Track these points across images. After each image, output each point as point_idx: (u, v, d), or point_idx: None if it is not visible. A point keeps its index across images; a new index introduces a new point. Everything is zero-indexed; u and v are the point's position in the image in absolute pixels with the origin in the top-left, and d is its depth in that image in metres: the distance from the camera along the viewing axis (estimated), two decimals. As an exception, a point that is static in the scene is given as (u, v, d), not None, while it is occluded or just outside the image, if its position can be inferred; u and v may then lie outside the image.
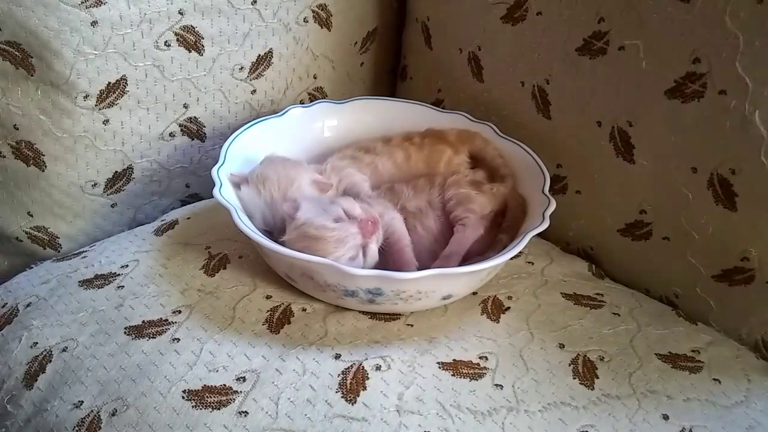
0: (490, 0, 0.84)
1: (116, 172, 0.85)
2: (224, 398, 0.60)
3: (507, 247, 0.69)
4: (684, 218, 0.74)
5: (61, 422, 0.61)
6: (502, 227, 0.75)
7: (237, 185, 0.74)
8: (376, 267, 0.67)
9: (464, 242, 0.72)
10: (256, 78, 0.89)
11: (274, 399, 0.60)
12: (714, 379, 0.67)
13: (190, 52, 0.83)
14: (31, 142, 0.79)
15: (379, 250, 0.68)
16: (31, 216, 0.84)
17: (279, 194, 0.72)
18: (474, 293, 0.73)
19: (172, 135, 0.86)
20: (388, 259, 0.70)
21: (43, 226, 0.84)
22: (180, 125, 0.86)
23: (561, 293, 0.76)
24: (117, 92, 0.80)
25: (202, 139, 0.89)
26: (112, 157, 0.83)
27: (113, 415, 0.60)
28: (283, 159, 0.78)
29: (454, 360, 0.65)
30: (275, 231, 0.72)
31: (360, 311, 0.70)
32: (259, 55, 0.88)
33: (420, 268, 0.69)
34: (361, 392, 0.61)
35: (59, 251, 0.86)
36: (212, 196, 0.71)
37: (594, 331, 0.71)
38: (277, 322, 0.68)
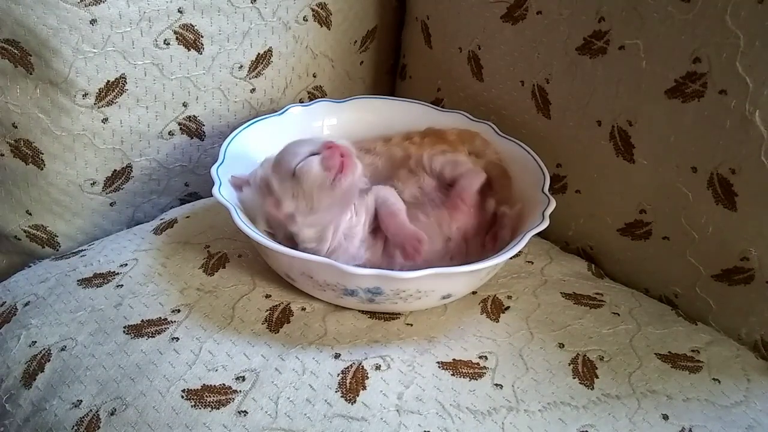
0: (490, -1, 0.85)
1: (115, 170, 0.84)
2: (223, 398, 0.60)
3: (507, 247, 0.69)
4: (684, 218, 0.74)
5: (59, 421, 0.61)
6: (496, 199, 0.76)
7: (238, 187, 0.74)
8: (376, 267, 0.67)
9: (475, 181, 0.74)
10: (256, 77, 0.89)
11: (273, 398, 0.60)
12: (714, 379, 0.67)
13: (189, 50, 0.82)
14: (29, 141, 0.79)
15: (376, 228, 0.70)
16: (30, 214, 0.83)
17: None
18: (474, 293, 0.73)
19: (171, 133, 0.86)
20: (385, 227, 0.70)
21: (42, 225, 0.84)
22: (179, 124, 0.86)
23: (561, 293, 0.76)
24: (116, 90, 0.80)
25: (201, 137, 0.89)
26: (110, 156, 0.83)
27: (112, 414, 0.60)
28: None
29: (453, 359, 0.65)
30: (278, 233, 0.71)
31: (359, 310, 0.70)
32: (259, 53, 0.88)
33: (426, 261, 0.69)
34: (361, 392, 0.61)
35: (58, 250, 0.86)
36: (211, 195, 0.70)
37: (594, 330, 0.71)
38: (277, 321, 0.68)
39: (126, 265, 0.74)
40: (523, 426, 0.60)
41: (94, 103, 0.79)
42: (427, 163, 0.77)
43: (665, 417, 0.62)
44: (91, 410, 0.61)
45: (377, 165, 0.80)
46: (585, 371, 0.66)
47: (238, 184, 0.74)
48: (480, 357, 0.66)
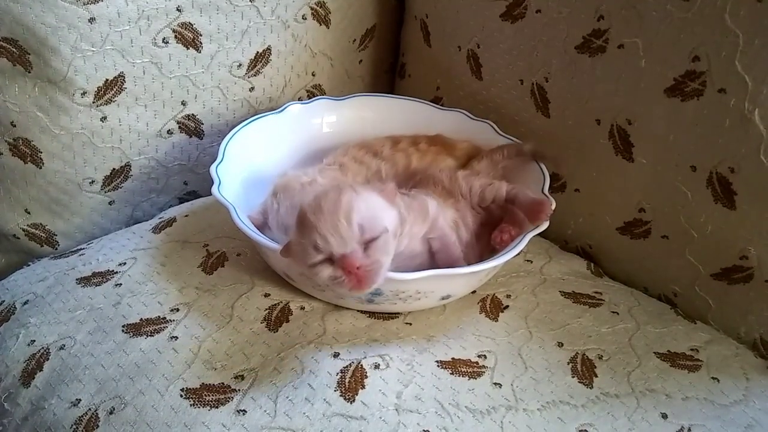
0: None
1: (114, 169, 0.84)
2: (222, 396, 0.60)
3: (507, 248, 0.68)
4: (683, 217, 0.74)
5: (58, 420, 0.61)
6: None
7: (260, 228, 0.70)
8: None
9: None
10: (255, 75, 0.89)
11: (272, 397, 0.60)
12: (713, 378, 0.67)
13: (188, 49, 0.82)
14: (28, 139, 0.79)
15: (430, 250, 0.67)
16: (29, 213, 0.83)
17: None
18: (473, 292, 0.73)
19: (170, 132, 0.86)
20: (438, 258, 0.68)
21: (41, 224, 0.84)
22: (178, 122, 0.86)
23: (560, 292, 0.76)
24: (114, 89, 0.80)
25: (200, 136, 0.89)
26: (109, 155, 0.83)
27: (111, 413, 0.60)
28: (299, 190, 0.73)
29: (452, 359, 0.65)
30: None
31: (358, 310, 0.70)
32: (258, 52, 0.88)
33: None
34: (360, 391, 0.61)
35: (57, 249, 0.86)
36: (210, 194, 0.70)
37: (593, 329, 0.71)
38: (276, 320, 0.68)
39: (125, 263, 0.74)
40: (522, 425, 0.60)
41: (93, 102, 0.79)
42: (465, 188, 0.73)
43: (664, 416, 0.62)
44: (89, 409, 0.61)
45: (381, 172, 0.79)
46: (584, 370, 0.66)
47: (259, 224, 0.71)
48: (479, 356, 0.66)
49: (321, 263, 0.59)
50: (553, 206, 0.72)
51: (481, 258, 0.70)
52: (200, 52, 0.83)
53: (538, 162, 0.78)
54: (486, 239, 0.73)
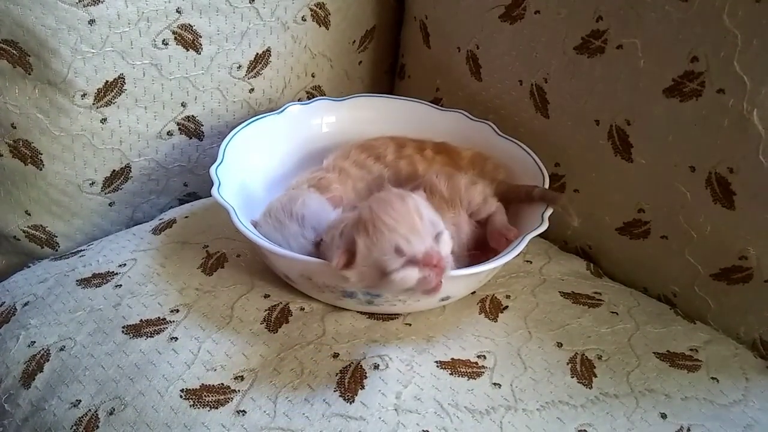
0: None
1: (114, 170, 0.84)
2: (222, 397, 0.60)
3: (506, 249, 0.68)
4: (682, 217, 0.74)
5: (58, 421, 0.61)
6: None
7: (255, 226, 0.71)
8: None
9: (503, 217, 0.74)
10: (254, 77, 0.89)
11: (272, 398, 0.60)
12: (712, 378, 0.67)
13: (187, 50, 0.82)
14: (28, 141, 0.79)
15: None
16: (29, 215, 0.83)
17: (285, 216, 0.70)
18: (472, 292, 0.73)
19: (170, 134, 0.86)
20: None
21: (41, 225, 0.84)
22: (178, 124, 0.86)
23: (559, 292, 0.76)
24: (114, 91, 0.80)
25: (200, 137, 0.89)
26: (109, 156, 0.83)
27: (111, 414, 0.60)
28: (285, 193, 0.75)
29: (452, 359, 0.65)
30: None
31: (358, 311, 0.70)
32: (257, 53, 0.88)
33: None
34: (359, 391, 0.61)
35: (57, 250, 0.86)
36: (210, 195, 0.70)
37: (592, 329, 0.71)
38: (275, 321, 0.68)
39: (125, 265, 0.74)
40: (522, 425, 0.60)
41: (93, 104, 0.79)
42: (465, 199, 0.73)
43: (663, 416, 0.62)
44: (89, 410, 0.61)
45: (384, 177, 0.78)
46: (583, 370, 0.66)
47: (254, 224, 0.71)
48: (478, 356, 0.66)
49: (403, 267, 0.58)
50: (552, 209, 0.71)
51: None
52: (200, 53, 0.83)
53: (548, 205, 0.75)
54: (477, 253, 0.73)
